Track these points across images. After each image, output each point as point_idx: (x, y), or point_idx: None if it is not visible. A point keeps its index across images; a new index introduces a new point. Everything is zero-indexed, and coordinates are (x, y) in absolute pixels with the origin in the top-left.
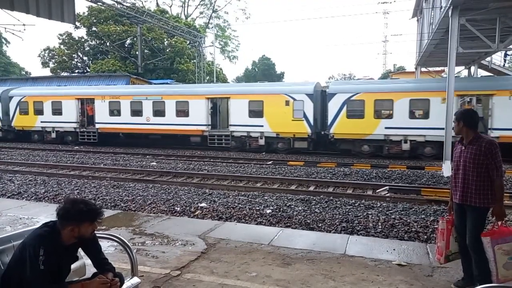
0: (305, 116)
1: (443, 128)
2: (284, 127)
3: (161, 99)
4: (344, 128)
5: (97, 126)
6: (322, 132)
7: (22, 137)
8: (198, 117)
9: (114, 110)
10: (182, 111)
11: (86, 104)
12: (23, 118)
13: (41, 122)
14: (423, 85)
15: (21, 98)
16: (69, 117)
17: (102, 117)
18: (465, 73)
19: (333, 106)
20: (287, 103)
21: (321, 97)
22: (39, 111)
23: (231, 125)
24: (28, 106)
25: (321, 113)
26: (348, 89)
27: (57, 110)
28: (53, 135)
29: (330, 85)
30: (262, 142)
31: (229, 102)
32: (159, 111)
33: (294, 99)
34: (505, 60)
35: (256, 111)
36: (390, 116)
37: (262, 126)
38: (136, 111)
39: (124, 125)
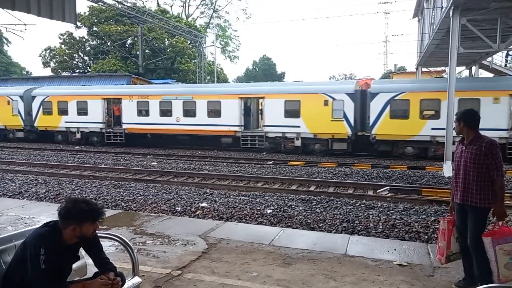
0: (345, 116)
1: (495, 129)
2: (322, 127)
3: (191, 99)
4: (387, 128)
5: (124, 126)
6: (361, 133)
7: (45, 138)
8: (231, 117)
9: (142, 110)
10: (214, 111)
11: (113, 104)
12: (46, 118)
13: (66, 122)
14: (473, 84)
15: (45, 98)
16: (95, 117)
17: (130, 117)
18: (466, 73)
19: (375, 106)
20: (325, 102)
21: (360, 96)
22: (63, 111)
23: (265, 125)
24: (52, 106)
25: (361, 113)
26: (392, 88)
27: (82, 110)
28: (78, 135)
29: (372, 84)
30: (298, 143)
31: (264, 102)
32: (189, 111)
33: (334, 99)
34: (506, 61)
35: (292, 111)
36: (436, 117)
37: (298, 126)
38: (166, 111)
39: (153, 125)
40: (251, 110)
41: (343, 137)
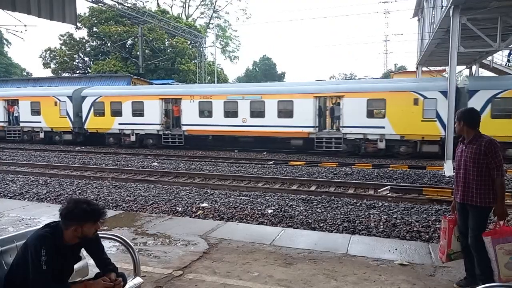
0: (438, 116)
1: None
2: (411, 128)
3: (260, 99)
4: (488, 129)
5: (184, 128)
6: (456, 135)
7: (94, 140)
8: (304, 118)
9: (205, 111)
10: (285, 112)
11: (172, 105)
12: (97, 120)
13: (119, 124)
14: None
15: (96, 98)
16: (152, 118)
17: (190, 118)
18: (466, 72)
19: (474, 105)
20: (415, 101)
21: (456, 94)
22: (116, 112)
23: (343, 126)
24: (104, 107)
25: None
26: (494, 86)
27: (138, 111)
28: (132, 138)
29: (470, 81)
30: (382, 145)
31: (343, 101)
32: (257, 112)
33: (425, 97)
34: (508, 60)
35: (376, 111)
36: None
37: (383, 127)
38: (231, 112)
39: (216, 127)
40: (322, 110)
41: (435, 139)
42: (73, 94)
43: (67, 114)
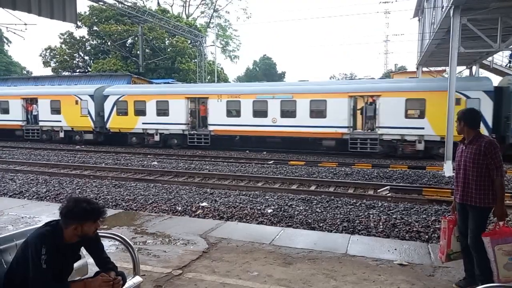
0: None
1: None
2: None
3: (291, 98)
4: None
5: (211, 128)
6: (494, 135)
7: (116, 140)
8: (338, 117)
9: (233, 110)
10: (317, 111)
11: (199, 104)
12: (120, 119)
13: (143, 123)
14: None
15: (119, 97)
16: (177, 118)
17: (217, 118)
18: (466, 73)
19: None
20: (457, 101)
21: (498, 94)
22: (140, 112)
23: (379, 126)
24: (128, 106)
25: (498, 113)
26: None
27: (162, 111)
28: (156, 138)
29: None
30: (420, 146)
31: (379, 100)
32: (288, 112)
33: (468, 97)
34: (509, 61)
35: (415, 111)
36: None
37: (422, 128)
38: (260, 112)
39: (244, 127)
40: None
41: None
42: (95, 92)
43: (89, 113)
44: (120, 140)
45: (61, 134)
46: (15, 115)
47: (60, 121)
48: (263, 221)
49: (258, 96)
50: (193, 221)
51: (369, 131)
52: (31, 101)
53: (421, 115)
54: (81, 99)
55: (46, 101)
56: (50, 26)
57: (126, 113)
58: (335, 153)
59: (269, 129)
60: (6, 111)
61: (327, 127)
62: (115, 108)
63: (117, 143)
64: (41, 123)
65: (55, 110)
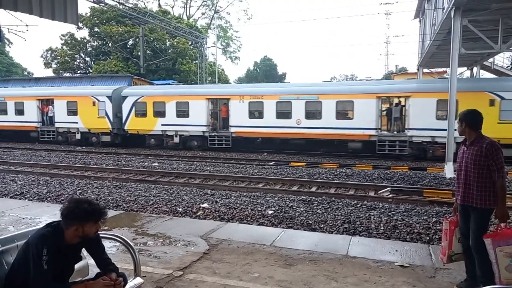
0: None
1: None
2: (486, 131)
3: (317, 99)
4: None
5: (232, 130)
6: None
7: (133, 142)
8: (366, 119)
9: (255, 112)
10: (344, 113)
11: (220, 105)
12: (139, 121)
13: (162, 125)
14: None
15: (138, 98)
16: (198, 119)
17: (239, 119)
18: (467, 74)
19: None
20: (491, 102)
21: None
22: (159, 113)
23: (409, 128)
24: (147, 107)
25: None
26: None
27: (182, 112)
28: (176, 139)
29: None
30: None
31: (409, 101)
32: (313, 113)
33: (502, 98)
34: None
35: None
36: None
37: (455, 130)
38: (284, 113)
39: (267, 128)
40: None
41: None
42: (113, 93)
43: (106, 114)
44: (137, 142)
45: (78, 136)
46: (30, 116)
47: (77, 122)
48: (264, 223)
49: (282, 97)
50: (194, 222)
51: (395, 133)
52: (46, 102)
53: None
54: (98, 100)
55: (62, 102)
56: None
57: (144, 115)
58: (363, 155)
59: (293, 131)
60: (21, 112)
61: (354, 129)
62: (133, 109)
63: (135, 145)
64: (57, 125)
65: (72, 111)
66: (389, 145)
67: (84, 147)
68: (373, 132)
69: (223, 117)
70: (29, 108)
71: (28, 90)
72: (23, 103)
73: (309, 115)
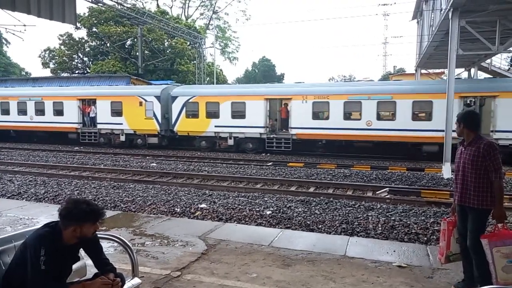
0: None
1: None
2: None
3: (390, 99)
4: None
5: (293, 131)
6: None
7: (181, 144)
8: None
9: (320, 113)
10: (420, 114)
11: (281, 105)
12: (190, 122)
13: (215, 126)
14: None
15: (189, 98)
16: (255, 120)
17: (302, 121)
18: (465, 75)
19: None
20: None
21: None
22: (213, 114)
23: (494, 131)
24: (199, 108)
25: None
26: None
27: (238, 113)
28: (230, 142)
29: None
30: None
31: (496, 101)
32: (386, 114)
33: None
34: (511, 65)
35: None
36: None
37: None
38: (352, 114)
39: (333, 130)
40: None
41: None
42: (161, 93)
43: (154, 115)
44: (185, 144)
45: (122, 138)
46: (70, 117)
47: (121, 123)
48: (262, 223)
49: (350, 97)
50: (192, 222)
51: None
52: (88, 102)
53: None
54: (145, 100)
55: (105, 102)
56: (49, 27)
57: (196, 116)
58: (436, 160)
59: (362, 133)
60: (60, 112)
61: (432, 131)
62: (184, 110)
63: (183, 147)
64: (99, 126)
65: (116, 112)
66: None
67: (82, 147)
68: (453, 134)
69: (283, 118)
70: (69, 108)
71: (69, 90)
72: (62, 103)
73: (382, 116)
